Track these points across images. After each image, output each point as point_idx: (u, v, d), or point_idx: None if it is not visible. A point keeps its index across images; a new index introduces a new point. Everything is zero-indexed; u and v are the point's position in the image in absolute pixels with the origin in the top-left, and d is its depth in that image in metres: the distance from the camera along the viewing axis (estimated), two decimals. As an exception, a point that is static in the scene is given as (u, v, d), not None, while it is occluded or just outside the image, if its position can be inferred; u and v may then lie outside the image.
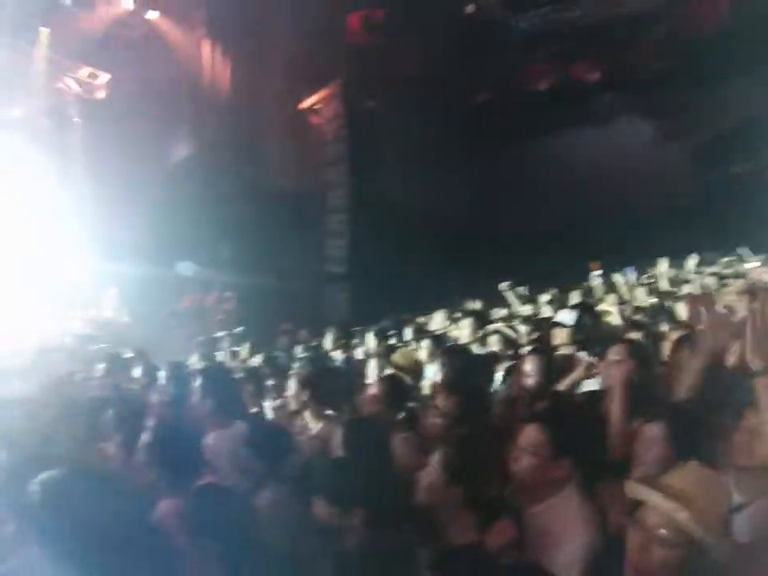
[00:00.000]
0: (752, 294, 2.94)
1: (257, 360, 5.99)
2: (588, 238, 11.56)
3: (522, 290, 7.97)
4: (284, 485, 2.82)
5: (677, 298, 5.74)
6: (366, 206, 12.77)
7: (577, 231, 12.18)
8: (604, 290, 7.18)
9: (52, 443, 3.48)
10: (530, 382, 3.46)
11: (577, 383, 3.48)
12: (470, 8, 10.52)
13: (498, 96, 12.72)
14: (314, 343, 7.52)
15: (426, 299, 7.93)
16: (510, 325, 5.64)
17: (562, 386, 3.42)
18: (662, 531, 1.67)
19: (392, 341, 5.55)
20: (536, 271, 9.54)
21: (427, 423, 3.01)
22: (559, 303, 6.42)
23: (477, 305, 7.51)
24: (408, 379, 4.11)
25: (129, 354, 4.89)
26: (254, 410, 4.21)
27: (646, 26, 10.57)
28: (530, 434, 2.31)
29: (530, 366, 3.51)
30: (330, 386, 3.60)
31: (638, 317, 5.27)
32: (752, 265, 7.59)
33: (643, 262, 8.39)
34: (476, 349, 4.69)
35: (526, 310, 6.82)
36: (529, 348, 4.14)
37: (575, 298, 6.92)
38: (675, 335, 3.54)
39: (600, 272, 7.60)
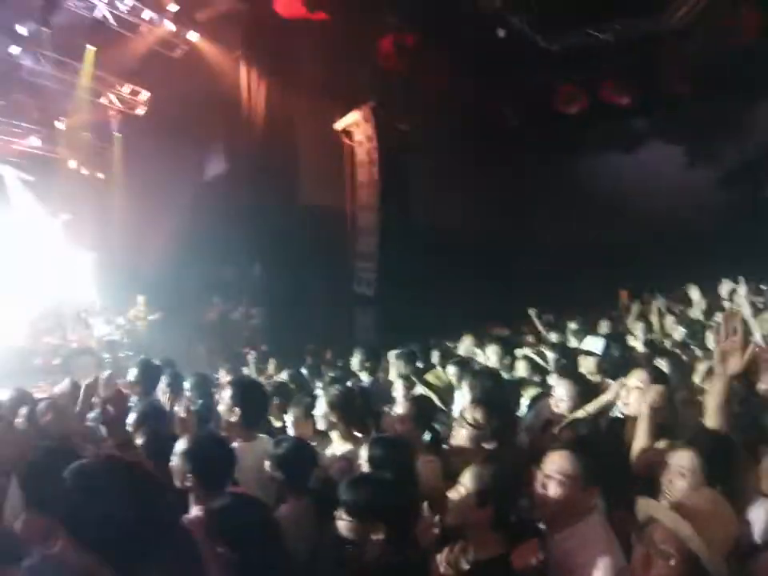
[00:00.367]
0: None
1: (283, 376, 6.01)
2: (616, 264, 11.45)
3: (550, 317, 7.93)
4: (306, 499, 2.84)
5: (708, 326, 5.66)
6: (395, 229, 12.82)
7: (605, 256, 12.07)
8: (633, 317, 7.11)
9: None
10: (560, 407, 3.44)
11: (605, 409, 3.44)
12: (501, 31, 10.59)
13: (528, 119, 12.75)
14: (340, 363, 7.54)
15: (454, 323, 7.88)
16: (538, 350, 5.61)
17: (591, 411, 3.38)
18: (666, 546, 1.66)
19: (419, 364, 5.54)
20: (564, 297, 9.47)
21: (456, 436, 2.99)
22: (586, 331, 6.35)
23: (504, 331, 7.48)
24: (437, 400, 4.11)
25: (157, 362, 4.95)
26: (279, 425, 4.24)
27: (677, 45, 10.50)
28: (559, 463, 2.29)
29: (560, 392, 3.49)
30: (359, 407, 3.59)
31: (666, 344, 5.21)
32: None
33: (672, 287, 8.27)
34: (503, 374, 4.67)
35: (554, 337, 6.77)
36: (557, 374, 4.11)
37: (604, 327, 6.86)
38: (705, 363, 3.49)
39: (629, 300, 7.54)
